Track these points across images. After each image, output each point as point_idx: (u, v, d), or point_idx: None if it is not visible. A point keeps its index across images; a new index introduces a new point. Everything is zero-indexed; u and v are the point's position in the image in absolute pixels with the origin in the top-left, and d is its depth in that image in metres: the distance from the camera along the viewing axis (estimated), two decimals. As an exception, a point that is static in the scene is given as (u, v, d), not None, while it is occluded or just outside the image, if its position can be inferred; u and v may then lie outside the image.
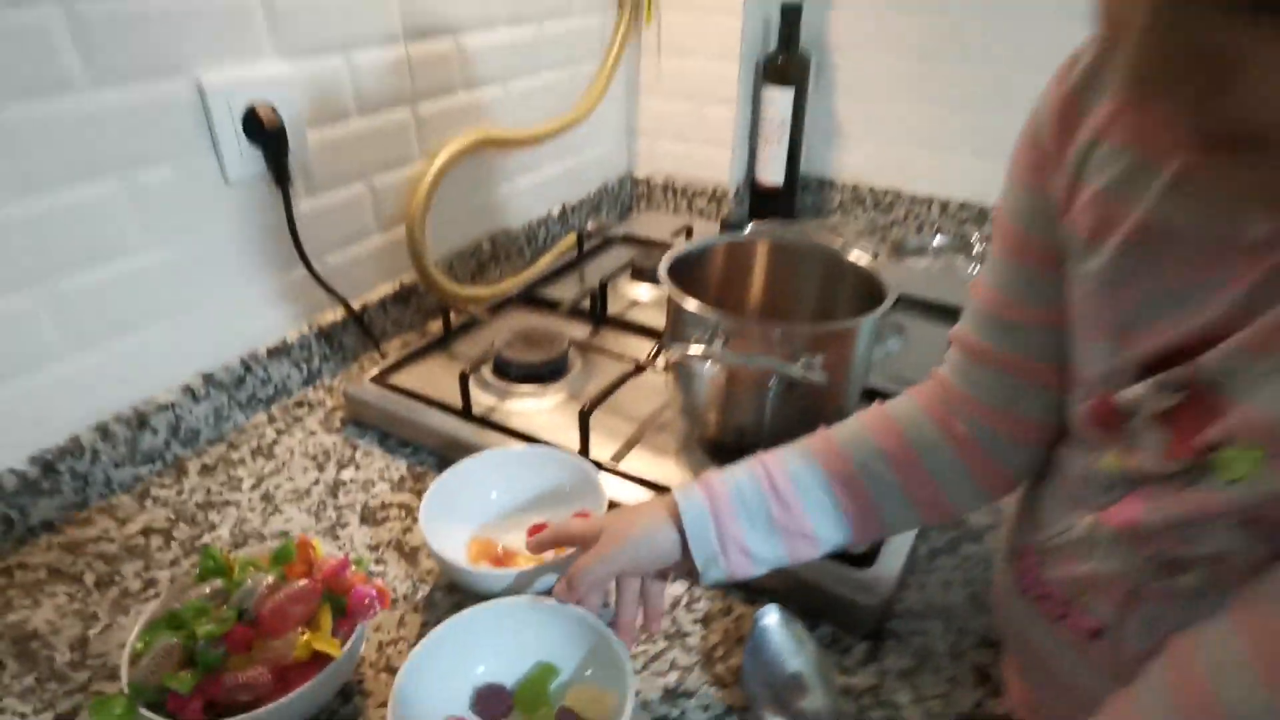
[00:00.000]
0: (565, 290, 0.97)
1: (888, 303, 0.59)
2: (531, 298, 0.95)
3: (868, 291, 0.63)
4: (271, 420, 0.78)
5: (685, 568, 0.48)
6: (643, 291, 0.96)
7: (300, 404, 0.80)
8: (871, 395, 0.69)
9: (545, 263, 1.06)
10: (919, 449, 0.47)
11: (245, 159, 0.71)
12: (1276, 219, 0.30)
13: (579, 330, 0.88)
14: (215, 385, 0.74)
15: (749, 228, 0.71)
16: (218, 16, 0.66)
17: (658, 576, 0.50)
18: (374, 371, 0.79)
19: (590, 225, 1.17)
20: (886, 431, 0.49)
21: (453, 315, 0.87)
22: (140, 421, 0.68)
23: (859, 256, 0.66)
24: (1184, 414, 0.34)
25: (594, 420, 0.67)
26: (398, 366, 0.80)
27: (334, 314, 0.84)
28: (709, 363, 0.58)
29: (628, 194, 1.31)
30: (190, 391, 0.72)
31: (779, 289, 0.70)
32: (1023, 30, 1.06)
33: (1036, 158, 0.41)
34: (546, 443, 0.67)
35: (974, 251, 1.15)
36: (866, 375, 0.64)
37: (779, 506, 0.47)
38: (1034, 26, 1.04)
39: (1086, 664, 0.41)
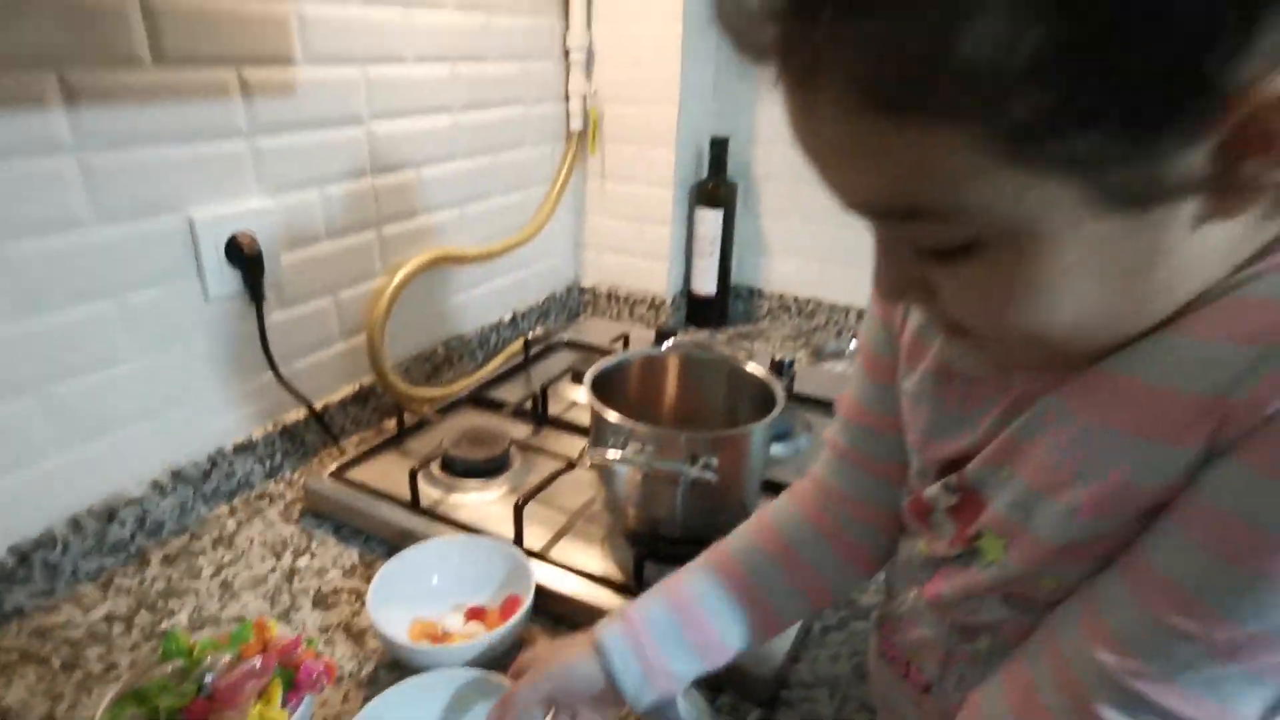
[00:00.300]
0: (511, 392, 1.07)
1: (776, 411, 0.69)
2: (479, 399, 1.05)
3: (764, 398, 0.74)
4: (233, 512, 0.84)
5: (614, 698, 0.52)
6: (581, 394, 1.06)
7: (261, 496, 0.87)
8: (771, 487, 0.80)
9: (494, 367, 1.16)
10: (796, 545, 0.56)
11: (225, 279, 0.80)
12: (1010, 374, 0.41)
13: (521, 430, 0.97)
14: (182, 480, 0.81)
15: (665, 344, 0.82)
16: (211, 163, 0.77)
17: (595, 709, 0.54)
18: (332, 466, 0.86)
19: (538, 331, 1.28)
20: (769, 535, 0.57)
21: (406, 415, 0.96)
22: (109, 515, 0.75)
23: (755, 368, 0.77)
24: (962, 510, 0.44)
25: (529, 512, 0.76)
26: (354, 462, 0.88)
27: (297, 414, 0.92)
28: (625, 465, 0.67)
29: (575, 301, 1.43)
30: (158, 486, 0.79)
31: (689, 397, 0.81)
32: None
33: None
34: (485, 533, 0.75)
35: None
36: (763, 472, 0.74)
37: (691, 628, 0.53)
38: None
39: (923, 716, 0.50)
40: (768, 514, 0.59)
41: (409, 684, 0.57)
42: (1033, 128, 0.27)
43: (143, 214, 0.72)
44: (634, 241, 1.36)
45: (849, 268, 1.34)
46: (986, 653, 0.45)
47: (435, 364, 1.11)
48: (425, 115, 1.00)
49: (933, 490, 0.46)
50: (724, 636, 0.54)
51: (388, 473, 0.86)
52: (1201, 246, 0.31)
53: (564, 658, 0.53)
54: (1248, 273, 0.32)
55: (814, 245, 1.36)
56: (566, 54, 1.25)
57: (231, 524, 0.83)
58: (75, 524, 0.72)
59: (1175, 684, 0.33)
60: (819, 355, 1.28)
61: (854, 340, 1.31)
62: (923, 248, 0.33)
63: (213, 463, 0.84)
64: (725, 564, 0.56)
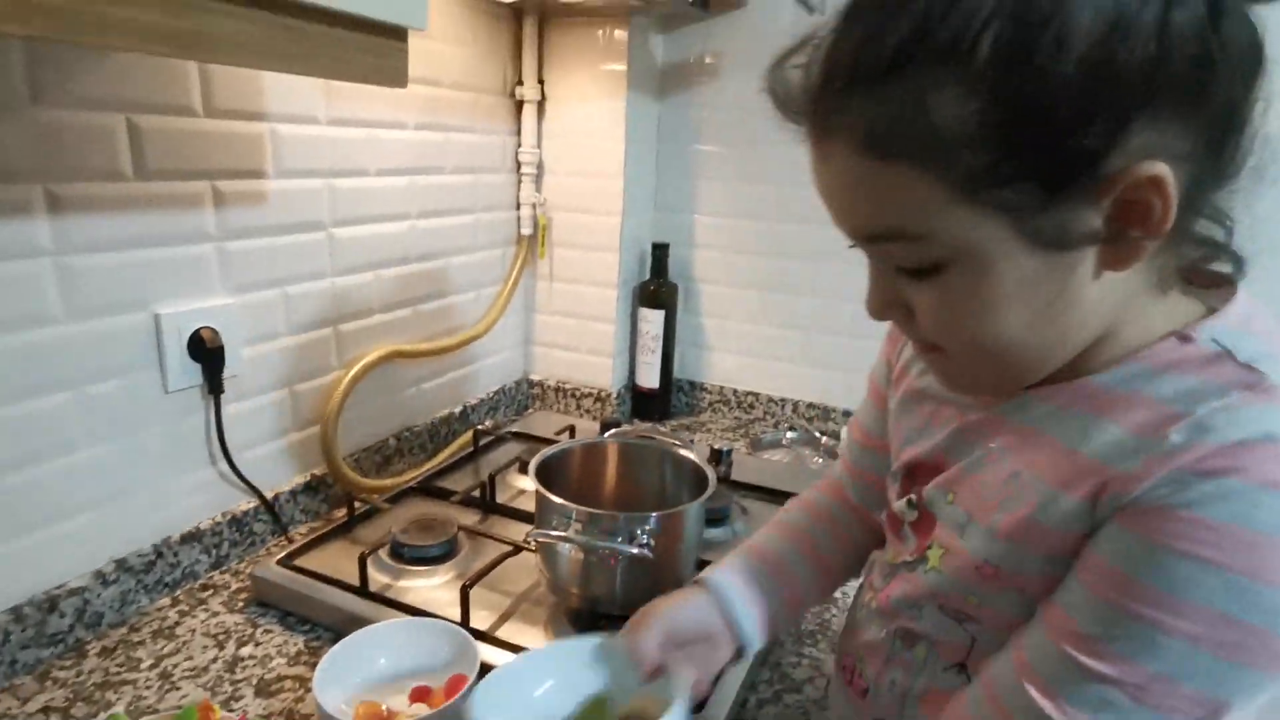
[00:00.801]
0: (460, 481, 1.10)
1: (708, 491, 0.75)
2: (429, 488, 1.08)
3: (699, 482, 0.80)
4: (175, 603, 0.85)
5: (726, 640, 0.59)
6: (528, 482, 1.10)
7: (205, 587, 0.88)
8: (706, 567, 0.85)
9: (444, 457, 1.20)
10: (835, 516, 0.68)
11: (186, 372, 0.84)
12: (964, 400, 0.51)
13: (470, 517, 1.01)
14: (126, 570, 0.81)
15: (606, 435, 0.88)
16: (180, 264, 0.82)
17: (704, 652, 0.59)
18: (280, 554, 0.88)
19: (488, 423, 1.33)
20: (815, 511, 0.69)
21: (356, 504, 0.98)
22: (50, 606, 0.75)
23: (689, 454, 0.83)
24: (920, 525, 0.53)
25: (476, 595, 0.79)
26: (303, 550, 0.90)
27: (247, 503, 0.94)
28: (567, 544, 0.72)
29: (525, 394, 1.49)
30: (101, 576, 0.79)
31: (628, 482, 0.86)
32: (837, 273, 1.35)
33: (890, 342, 0.64)
34: (432, 615, 0.78)
35: (821, 445, 1.36)
36: (698, 551, 0.79)
37: (783, 584, 0.63)
38: (846, 271, 1.33)
39: (858, 717, 0.57)
40: (805, 498, 0.71)
41: (531, 657, 0.58)
42: (976, 177, 0.38)
43: (110, 311, 0.77)
44: (580, 338, 1.44)
45: (785, 363, 1.44)
46: (921, 662, 0.52)
47: (386, 455, 1.14)
48: (385, 222, 1.08)
49: (900, 505, 0.55)
50: (803, 592, 0.65)
51: (337, 560, 0.88)
52: (1102, 294, 0.42)
53: (674, 600, 0.59)
54: (1152, 364, 0.42)
55: (752, 343, 1.46)
56: (518, 167, 1.36)
57: (173, 615, 0.83)
58: (17, 614, 0.72)
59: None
60: (757, 445, 1.35)
61: (790, 431, 1.39)
62: (901, 267, 0.44)
63: (158, 553, 0.84)
64: (793, 531, 0.67)
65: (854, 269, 1.47)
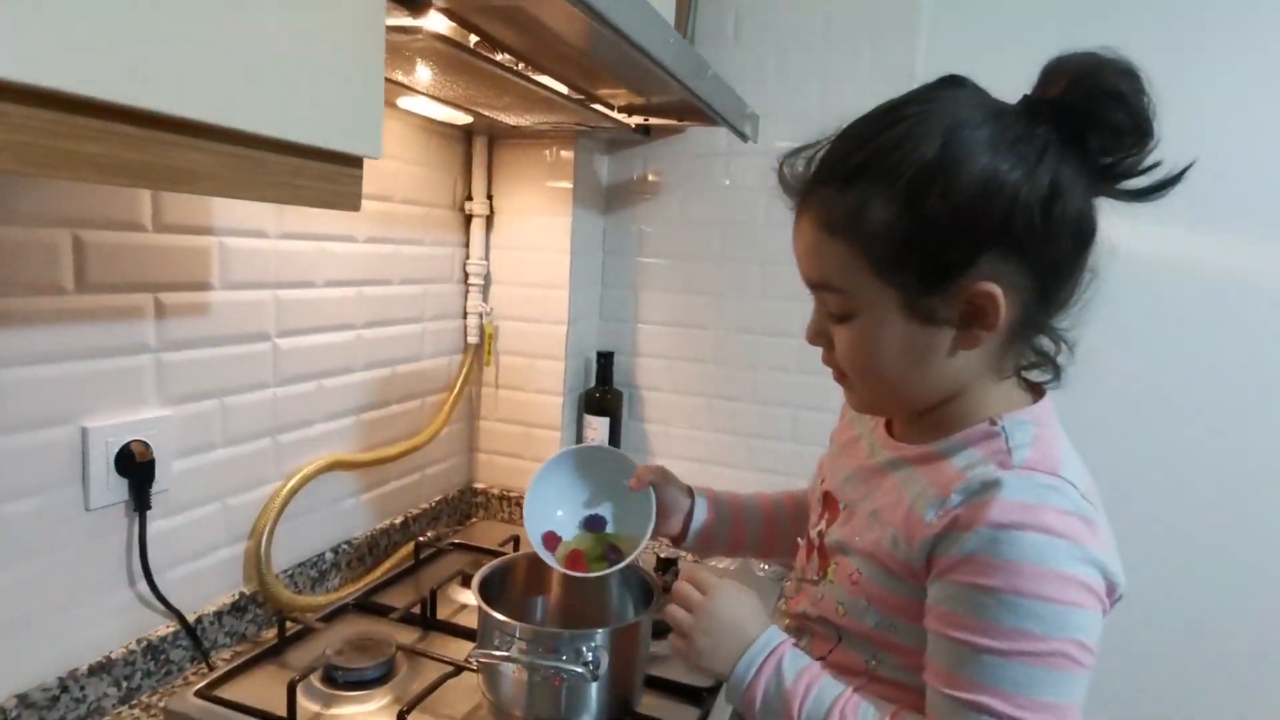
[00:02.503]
0: (400, 596, 1.06)
1: (653, 605, 0.74)
2: (366, 604, 1.03)
3: (646, 592, 0.79)
4: (79, 744, 0.78)
5: (680, 517, 0.83)
6: (470, 596, 1.06)
7: (113, 724, 0.81)
8: (655, 683, 0.82)
9: (383, 571, 1.15)
10: (797, 501, 0.87)
11: (110, 488, 0.80)
12: (863, 414, 0.69)
13: (409, 635, 0.96)
14: (28, 706, 0.75)
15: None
16: (113, 377, 0.80)
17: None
18: (199, 685, 0.82)
19: (429, 534, 1.29)
20: (789, 495, 0.89)
21: (288, 623, 0.93)
22: (-62, 751, 0.68)
23: (634, 563, 0.83)
24: (823, 550, 0.66)
25: (413, 721, 0.75)
26: (226, 678, 0.84)
27: (166, 627, 0.88)
28: (510, 664, 0.70)
29: (468, 503, 1.46)
30: (3, 713, 0.73)
31: (575, 594, 0.85)
32: (777, 381, 1.39)
33: (844, 408, 0.77)
34: (364, 747, 0.73)
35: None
36: (646, 663, 0.77)
37: (734, 519, 0.85)
38: (785, 379, 1.38)
39: None
40: (787, 489, 0.90)
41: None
42: (884, 260, 0.54)
43: (32, 426, 0.74)
44: (526, 445, 1.43)
45: (728, 468, 1.45)
46: (804, 649, 0.63)
47: (323, 570, 1.10)
48: (331, 332, 1.08)
49: (814, 532, 0.69)
50: (746, 536, 0.86)
51: (263, 688, 0.83)
52: (956, 365, 0.57)
53: (671, 478, 0.86)
54: (964, 439, 0.57)
55: (695, 448, 1.48)
56: (466, 277, 1.38)
57: (77, 757, 0.76)
58: (-105, 764, 0.65)
59: None
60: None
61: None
62: (829, 311, 0.60)
63: (63, 687, 0.78)
64: (762, 496, 0.89)
65: (793, 376, 1.53)
